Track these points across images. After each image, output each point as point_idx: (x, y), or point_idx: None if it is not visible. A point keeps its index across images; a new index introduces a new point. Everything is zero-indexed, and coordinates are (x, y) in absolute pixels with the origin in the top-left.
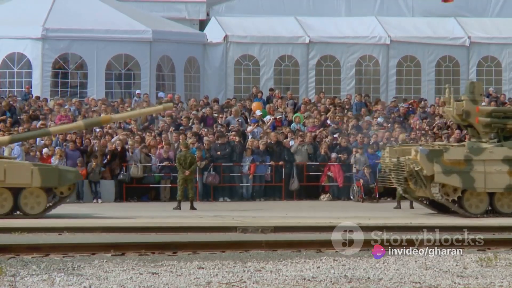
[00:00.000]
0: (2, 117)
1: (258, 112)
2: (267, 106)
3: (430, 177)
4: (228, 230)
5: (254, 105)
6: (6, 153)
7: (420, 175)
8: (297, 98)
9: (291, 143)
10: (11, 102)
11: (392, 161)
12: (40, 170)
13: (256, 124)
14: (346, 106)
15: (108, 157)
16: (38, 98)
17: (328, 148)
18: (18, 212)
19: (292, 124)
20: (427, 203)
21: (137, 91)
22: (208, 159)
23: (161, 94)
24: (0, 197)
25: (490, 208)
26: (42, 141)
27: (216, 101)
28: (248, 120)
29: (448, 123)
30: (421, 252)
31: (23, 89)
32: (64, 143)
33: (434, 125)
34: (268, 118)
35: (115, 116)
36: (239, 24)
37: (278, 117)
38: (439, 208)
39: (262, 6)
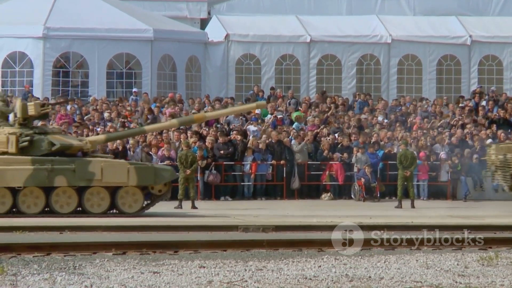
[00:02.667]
0: None
1: (258, 111)
2: (268, 105)
3: None
4: (229, 229)
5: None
6: None
7: None
8: (298, 97)
9: (292, 141)
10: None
11: (499, 158)
12: (137, 168)
13: (257, 122)
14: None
15: None
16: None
17: (329, 147)
18: (114, 211)
19: (295, 124)
20: None
21: (134, 90)
22: (211, 158)
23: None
24: (98, 196)
25: None
26: None
27: (218, 100)
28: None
29: (450, 123)
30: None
31: (24, 88)
32: None
33: (439, 124)
34: (269, 117)
35: (208, 114)
36: (240, 23)
37: (279, 116)
38: None
39: (263, 5)
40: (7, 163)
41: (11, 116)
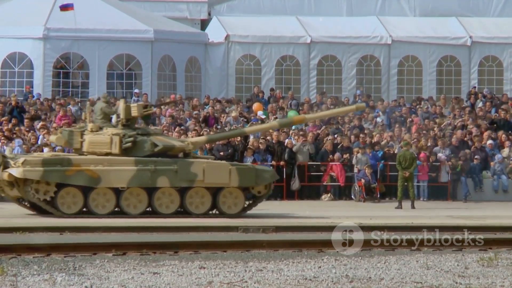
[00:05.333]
0: (4, 118)
1: (260, 113)
2: (269, 106)
3: None
4: (229, 229)
5: (255, 106)
6: (7, 152)
7: None
8: (298, 98)
9: (293, 142)
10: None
11: None
12: (238, 170)
13: (257, 123)
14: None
15: None
16: (39, 99)
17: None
18: (215, 211)
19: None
20: None
21: (135, 90)
22: (211, 159)
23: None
24: (199, 197)
25: None
26: (45, 139)
27: (218, 101)
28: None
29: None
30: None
31: (24, 88)
32: None
33: (442, 125)
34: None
35: (308, 116)
36: (241, 24)
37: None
38: None
39: (264, 5)
40: (111, 163)
41: (113, 117)
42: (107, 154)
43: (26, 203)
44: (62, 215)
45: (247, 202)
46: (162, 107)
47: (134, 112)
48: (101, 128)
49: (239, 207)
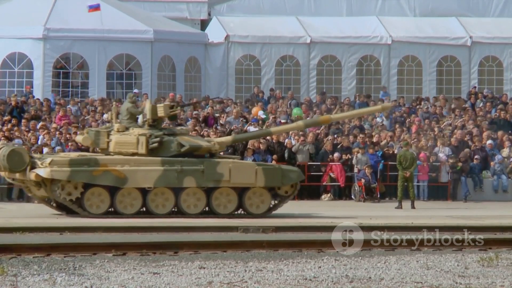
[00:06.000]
0: (7, 118)
1: (260, 113)
2: (268, 106)
3: None
4: (229, 230)
5: (255, 109)
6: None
7: None
8: (298, 98)
9: (293, 142)
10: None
11: None
12: (264, 169)
13: (257, 124)
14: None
15: None
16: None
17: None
18: (241, 211)
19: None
20: None
21: (135, 91)
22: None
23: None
24: (225, 197)
25: None
26: (44, 140)
27: (221, 102)
28: (248, 121)
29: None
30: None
31: (23, 89)
32: (65, 143)
33: (442, 126)
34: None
35: (334, 116)
36: (241, 24)
37: (283, 120)
38: None
39: (264, 6)
40: (138, 164)
41: (140, 118)
42: (133, 154)
43: (53, 203)
44: (88, 215)
45: (273, 202)
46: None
47: (161, 112)
48: (127, 129)
49: (266, 207)
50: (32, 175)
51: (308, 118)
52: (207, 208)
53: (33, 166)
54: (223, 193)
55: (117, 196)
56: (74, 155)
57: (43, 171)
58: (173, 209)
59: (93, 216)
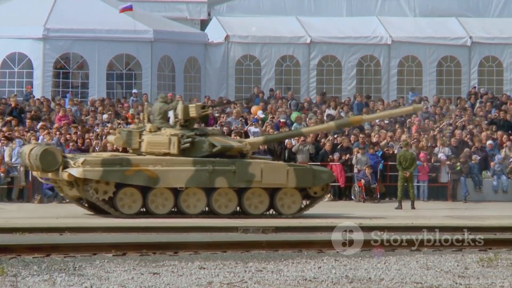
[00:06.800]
0: (8, 118)
1: (260, 113)
2: (268, 106)
3: None
4: (229, 230)
5: (254, 109)
6: (6, 153)
7: None
8: (298, 98)
9: (293, 142)
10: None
11: None
12: (296, 170)
13: (257, 124)
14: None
15: None
16: (39, 99)
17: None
18: (272, 212)
19: (294, 124)
20: None
21: (134, 91)
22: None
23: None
24: (257, 197)
25: None
26: (44, 140)
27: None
28: (248, 122)
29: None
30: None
31: (23, 89)
32: (65, 143)
33: (441, 126)
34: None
35: (366, 117)
36: (241, 24)
37: (282, 120)
38: None
39: (263, 6)
40: (169, 164)
41: (171, 118)
42: (165, 154)
43: (84, 203)
44: (120, 215)
45: (304, 203)
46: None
47: (192, 112)
48: (159, 129)
49: (297, 207)
50: (64, 175)
51: (340, 119)
52: (206, 208)
53: (66, 166)
54: (254, 193)
55: (149, 196)
56: (106, 155)
57: (75, 171)
58: (205, 209)
59: (125, 217)
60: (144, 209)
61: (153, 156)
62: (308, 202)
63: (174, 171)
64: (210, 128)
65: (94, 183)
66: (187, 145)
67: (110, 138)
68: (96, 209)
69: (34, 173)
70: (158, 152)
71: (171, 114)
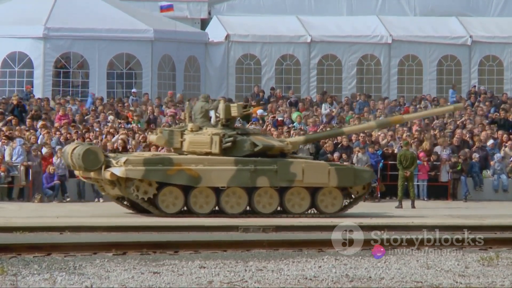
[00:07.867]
0: (9, 118)
1: (260, 112)
2: (268, 105)
3: None
4: (229, 229)
5: (254, 108)
6: (7, 153)
7: None
8: (298, 97)
9: None
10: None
11: None
12: (337, 170)
13: (258, 122)
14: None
15: None
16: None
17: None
18: (313, 211)
19: (295, 123)
20: None
21: (134, 90)
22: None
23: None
24: (298, 196)
25: None
26: (44, 140)
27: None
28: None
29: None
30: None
31: (24, 88)
32: (65, 143)
33: (432, 125)
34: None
35: (406, 116)
36: (241, 23)
37: (279, 118)
38: None
39: (264, 5)
40: (211, 163)
41: (212, 117)
42: (207, 153)
43: (125, 202)
44: (162, 215)
45: (345, 202)
46: (161, 106)
47: (234, 112)
48: (201, 128)
49: (338, 207)
50: (107, 174)
51: (381, 118)
52: (280, 208)
53: (108, 165)
54: (295, 193)
55: (191, 196)
56: (148, 154)
57: (118, 170)
58: (246, 208)
59: (166, 216)
60: (186, 208)
61: (195, 155)
62: (349, 202)
63: (215, 171)
64: (250, 127)
65: (136, 182)
66: (229, 144)
67: (152, 137)
68: (137, 208)
69: (76, 173)
70: (200, 152)
71: (212, 113)
